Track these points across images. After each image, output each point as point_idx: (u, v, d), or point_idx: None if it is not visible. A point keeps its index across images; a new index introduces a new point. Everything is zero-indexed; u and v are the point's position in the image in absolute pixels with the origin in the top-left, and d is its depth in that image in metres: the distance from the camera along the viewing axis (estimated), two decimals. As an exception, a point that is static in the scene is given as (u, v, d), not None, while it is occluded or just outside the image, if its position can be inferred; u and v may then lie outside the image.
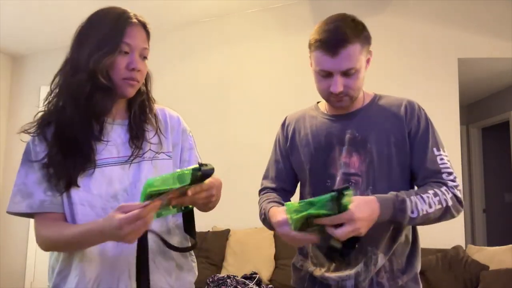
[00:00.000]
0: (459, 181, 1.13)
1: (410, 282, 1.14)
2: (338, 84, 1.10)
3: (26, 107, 3.71)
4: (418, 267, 1.17)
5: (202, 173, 0.85)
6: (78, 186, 0.98)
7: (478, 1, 3.47)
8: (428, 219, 1.06)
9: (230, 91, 3.57)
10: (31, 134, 1.02)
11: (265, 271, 3.04)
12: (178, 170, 0.87)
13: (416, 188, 1.17)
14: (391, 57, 3.45)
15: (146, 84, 1.13)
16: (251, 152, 3.25)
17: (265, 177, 1.35)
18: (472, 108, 5.12)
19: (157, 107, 1.17)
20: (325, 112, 1.26)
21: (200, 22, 3.65)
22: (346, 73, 1.10)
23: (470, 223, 4.87)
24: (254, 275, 2.91)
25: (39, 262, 3.51)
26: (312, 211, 0.91)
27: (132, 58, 1.02)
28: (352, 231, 0.92)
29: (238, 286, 2.74)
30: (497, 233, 4.80)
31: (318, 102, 1.33)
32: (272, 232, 3.23)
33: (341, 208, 0.91)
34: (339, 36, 1.07)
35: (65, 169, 0.97)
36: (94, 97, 0.99)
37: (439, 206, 1.05)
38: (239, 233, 3.27)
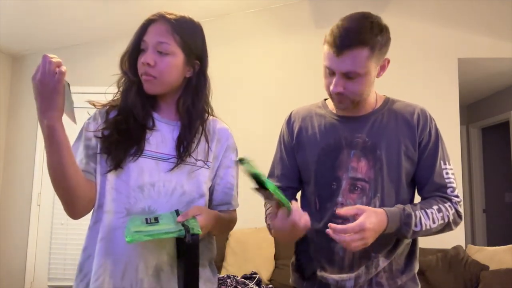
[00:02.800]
0: (459, 188, 1.17)
1: (409, 282, 1.15)
2: (337, 85, 1.08)
3: (26, 107, 3.71)
4: (417, 267, 1.18)
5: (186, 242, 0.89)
6: (122, 168, 1.02)
7: (478, 1, 3.47)
8: (429, 233, 1.09)
9: (230, 91, 3.57)
10: (96, 107, 1.10)
11: (265, 271, 3.04)
12: (170, 232, 0.91)
13: (419, 197, 1.19)
14: (391, 57, 3.43)
15: (200, 89, 1.12)
16: (251, 152, 3.25)
17: (271, 175, 1.30)
18: (472, 108, 5.12)
19: (210, 118, 1.18)
20: (335, 112, 1.22)
21: (200, 22, 3.65)
22: (348, 76, 1.07)
23: (470, 223, 4.87)
24: (254, 275, 2.91)
25: (39, 262, 3.50)
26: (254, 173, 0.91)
27: (145, 54, 1.04)
28: (361, 239, 0.96)
29: (238, 286, 2.74)
30: (497, 233, 4.80)
31: (325, 99, 1.29)
32: (272, 232, 3.23)
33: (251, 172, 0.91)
34: (347, 37, 1.04)
35: (116, 149, 1.02)
36: (126, 91, 1.08)
37: (441, 222, 1.08)
38: (239, 233, 3.27)
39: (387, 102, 1.21)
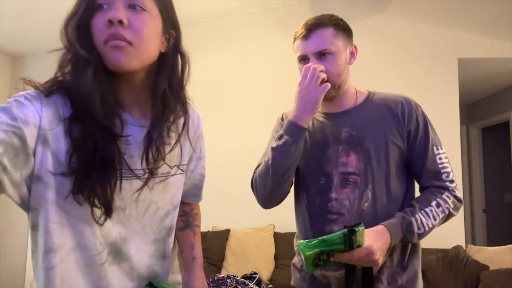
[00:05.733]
0: (456, 178, 1.16)
1: (410, 279, 1.15)
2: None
3: (26, 107, 3.72)
4: (419, 265, 1.18)
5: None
6: (112, 211, 0.77)
7: (478, 1, 3.47)
8: (433, 229, 1.10)
9: (229, 91, 3.57)
10: (37, 87, 0.76)
11: (265, 271, 3.04)
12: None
13: (417, 189, 1.19)
14: (391, 57, 3.44)
15: (179, 72, 0.86)
16: (251, 152, 3.26)
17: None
18: (472, 108, 5.12)
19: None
20: (319, 110, 1.26)
21: (200, 22, 3.65)
22: (321, 55, 1.14)
23: (470, 223, 4.87)
24: (254, 275, 2.91)
25: (39, 262, 3.51)
26: (324, 247, 0.92)
27: (110, 9, 0.72)
28: (372, 262, 0.97)
29: (238, 286, 2.74)
30: (497, 233, 4.80)
31: None
32: (272, 232, 3.23)
33: (354, 245, 0.93)
34: (311, 23, 1.16)
35: (94, 184, 0.73)
36: (78, 74, 0.72)
37: (442, 215, 1.10)
38: (239, 233, 3.27)
39: (370, 95, 1.24)
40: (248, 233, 3.23)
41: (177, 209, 0.95)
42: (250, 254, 3.11)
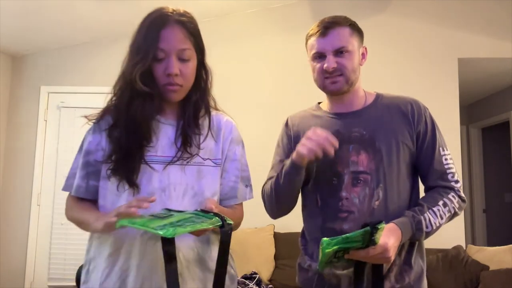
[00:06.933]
0: (459, 177, 1.19)
1: (417, 278, 1.16)
2: (330, 61, 1.15)
3: (26, 107, 3.71)
4: (424, 264, 1.19)
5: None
6: (137, 186, 1.00)
7: (478, 1, 3.47)
8: (440, 227, 1.13)
9: (230, 91, 3.56)
10: (91, 121, 1.08)
11: (265, 271, 3.04)
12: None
13: (424, 186, 1.22)
14: (391, 57, 3.44)
15: (203, 83, 1.10)
16: (251, 152, 3.27)
17: (271, 178, 1.30)
18: (472, 108, 5.12)
19: (214, 112, 1.15)
20: (328, 111, 1.27)
21: (200, 22, 3.64)
22: (338, 52, 1.16)
23: (470, 223, 4.87)
24: (254, 275, 2.91)
25: (39, 262, 3.50)
26: (343, 245, 0.93)
27: (167, 63, 0.99)
28: (386, 259, 1.00)
29: (238, 286, 2.74)
30: (497, 233, 4.80)
31: (319, 103, 1.33)
32: (272, 232, 3.23)
33: (372, 242, 0.94)
34: (329, 22, 1.19)
35: (121, 169, 1.00)
36: (134, 103, 1.00)
37: (449, 214, 1.13)
38: (239, 233, 3.26)
39: (379, 96, 1.26)
40: (248, 233, 3.22)
41: (215, 198, 1.08)
42: (250, 254, 3.10)
